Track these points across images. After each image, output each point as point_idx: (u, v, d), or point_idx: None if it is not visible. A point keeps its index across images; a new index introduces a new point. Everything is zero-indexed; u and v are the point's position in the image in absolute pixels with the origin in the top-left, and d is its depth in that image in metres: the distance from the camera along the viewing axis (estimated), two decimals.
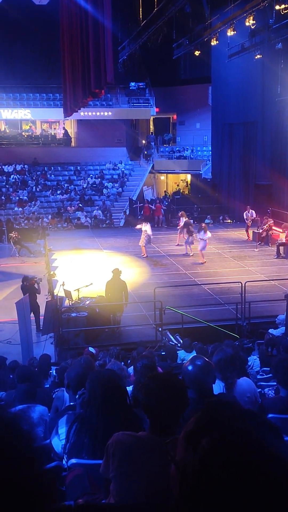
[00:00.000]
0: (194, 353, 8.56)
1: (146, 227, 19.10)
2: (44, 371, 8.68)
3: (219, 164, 29.83)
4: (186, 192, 39.53)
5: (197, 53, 23.00)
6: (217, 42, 21.23)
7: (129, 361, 8.76)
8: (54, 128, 39.05)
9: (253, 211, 23.38)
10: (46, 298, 13.99)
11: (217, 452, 0.87)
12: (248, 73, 25.41)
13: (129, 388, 4.49)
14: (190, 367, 3.14)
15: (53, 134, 38.28)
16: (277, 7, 16.47)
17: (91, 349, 8.45)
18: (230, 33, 19.43)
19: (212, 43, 21.46)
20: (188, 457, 0.89)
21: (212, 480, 0.85)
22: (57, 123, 38.92)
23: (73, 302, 12.86)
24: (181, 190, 39.65)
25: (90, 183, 34.33)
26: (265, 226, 21.23)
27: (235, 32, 19.35)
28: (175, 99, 39.26)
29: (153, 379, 2.54)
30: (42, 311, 13.30)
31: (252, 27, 19.08)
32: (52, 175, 34.78)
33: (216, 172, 30.62)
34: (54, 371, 8.22)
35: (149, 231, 19.15)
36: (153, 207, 28.14)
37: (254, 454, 0.86)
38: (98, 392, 2.85)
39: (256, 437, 0.89)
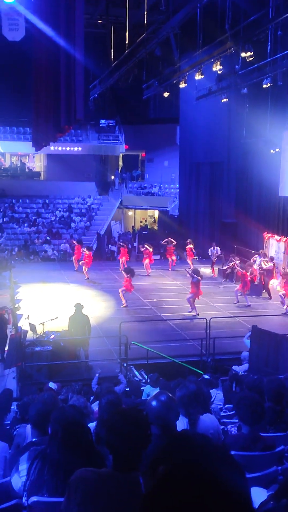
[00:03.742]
0: (158, 389, 8.53)
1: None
2: (4, 407, 8.46)
3: (186, 201, 30.34)
4: (154, 227, 39.90)
5: (166, 94, 23.66)
6: (186, 84, 21.92)
7: (92, 397, 8.65)
8: (24, 162, 39.16)
9: (218, 248, 23.77)
10: (10, 332, 13.76)
11: (169, 479, 0.89)
12: (215, 115, 26.22)
13: (92, 425, 4.45)
14: (154, 403, 3.16)
15: (21, 167, 38.33)
16: (243, 54, 17.18)
17: (51, 384, 8.33)
18: (198, 77, 20.12)
19: (181, 86, 22.13)
20: (148, 481, 0.92)
21: (162, 505, 0.87)
22: (27, 157, 39.10)
23: (37, 336, 12.67)
24: (148, 226, 40.01)
25: (58, 216, 34.35)
26: (230, 264, 21.59)
27: (202, 76, 20.04)
28: (144, 137, 40.04)
29: (116, 414, 2.55)
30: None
31: (219, 72, 19.80)
32: (20, 207, 34.70)
33: (183, 208, 31.10)
34: (16, 407, 8.03)
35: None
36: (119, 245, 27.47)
37: (205, 486, 0.87)
38: (60, 430, 2.84)
39: (211, 471, 0.90)
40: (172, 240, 24.54)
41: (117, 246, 25.79)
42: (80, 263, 22.72)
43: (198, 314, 15.95)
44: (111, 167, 42.15)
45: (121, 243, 25.24)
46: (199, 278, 16.48)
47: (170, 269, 24.00)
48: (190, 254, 24.02)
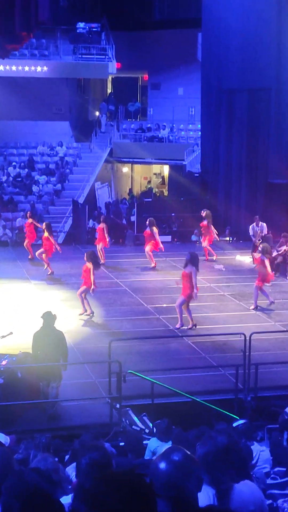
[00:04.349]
0: (170, 444, 8.57)
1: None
2: None
3: (212, 151, 30.22)
4: (162, 192, 39.86)
5: None
6: None
7: (67, 456, 8.70)
8: None
9: (264, 224, 23.72)
10: None
11: None
12: (257, 14, 26.01)
13: (67, 499, 4.46)
14: (162, 465, 3.15)
15: None
16: None
17: (1, 436, 8.34)
18: None
19: None
20: None
21: None
22: None
23: None
24: (154, 190, 39.94)
25: (12, 175, 34.29)
26: (282, 248, 21.52)
27: None
28: (146, 50, 39.75)
29: (103, 483, 2.55)
30: None
31: None
32: None
33: (208, 163, 30.98)
34: None
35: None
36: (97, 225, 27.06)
37: None
38: (16, 506, 2.84)
39: None
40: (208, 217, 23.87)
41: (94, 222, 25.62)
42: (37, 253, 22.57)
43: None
44: (94, 97, 41.95)
45: (103, 217, 25.05)
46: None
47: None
48: (209, 234, 23.93)
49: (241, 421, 9.60)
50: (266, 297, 18.02)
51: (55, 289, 20.20)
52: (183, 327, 16.36)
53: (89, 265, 17.32)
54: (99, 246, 23.22)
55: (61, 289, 20.12)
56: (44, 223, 22.84)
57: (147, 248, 22.50)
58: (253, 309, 18.05)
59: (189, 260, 16.64)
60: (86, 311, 17.43)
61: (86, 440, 8.53)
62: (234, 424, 9.43)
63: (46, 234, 21.76)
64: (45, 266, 21.83)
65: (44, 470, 4.97)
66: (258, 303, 18.06)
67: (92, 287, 17.31)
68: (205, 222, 23.53)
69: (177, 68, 39.23)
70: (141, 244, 24.03)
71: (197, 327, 16.32)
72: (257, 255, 18.69)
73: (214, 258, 23.56)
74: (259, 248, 18.41)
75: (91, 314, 17.39)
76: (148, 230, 22.50)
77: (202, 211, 23.90)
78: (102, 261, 22.23)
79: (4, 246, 27.78)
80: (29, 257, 23.46)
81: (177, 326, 16.46)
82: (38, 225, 23.57)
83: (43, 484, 3.04)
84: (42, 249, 21.77)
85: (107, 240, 23.29)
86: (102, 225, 23.76)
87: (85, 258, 17.65)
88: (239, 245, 26.09)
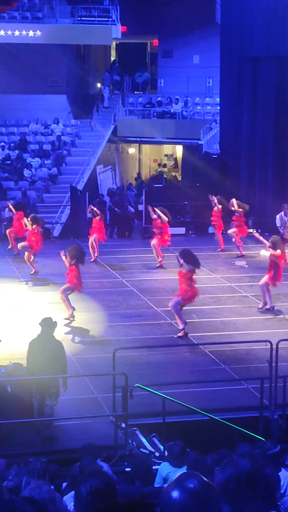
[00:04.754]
0: (184, 469, 8.57)
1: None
2: None
3: (233, 129, 30.20)
4: (174, 176, 39.81)
5: None
6: None
7: (64, 483, 8.72)
8: None
9: None
10: None
11: None
12: None
13: None
14: (176, 493, 3.16)
15: None
16: None
17: None
18: None
19: None
20: None
21: None
22: None
23: None
24: (165, 174, 39.91)
25: (0, 157, 34.30)
26: None
27: None
28: (156, 11, 39.71)
29: None
30: None
31: None
32: None
33: (228, 143, 30.97)
34: None
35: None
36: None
37: None
38: None
39: None
40: (236, 206, 24.23)
41: (89, 211, 25.48)
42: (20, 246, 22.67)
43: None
44: (95, 67, 41.89)
45: (94, 208, 25.03)
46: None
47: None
48: (220, 224, 24.53)
49: (270, 446, 9.57)
50: (269, 299, 18.03)
51: (50, 290, 20.18)
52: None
53: (73, 263, 17.39)
54: (92, 238, 23.30)
55: (56, 290, 20.09)
56: (30, 216, 22.78)
57: (154, 241, 22.51)
58: (269, 308, 18.06)
59: (184, 259, 16.62)
60: (73, 315, 17.49)
61: (86, 465, 8.55)
62: (259, 447, 9.41)
63: (29, 226, 21.81)
64: (31, 267, 21.85)
65: (39, 499, 4.98)
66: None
67: (79, 288, 17.49)
68: (236, 214, 23.97)
69: (192, 33, 39.04)
70: (150, 237, 23.99)
71: (188, 335, 16.30)
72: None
73: (238, 254, 23.73)
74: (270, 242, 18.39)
75: (72, 318, 17.41)
76: (157, 219, 22.53)
77: (212, 198, 24.34)
78: (93, 258, 22.45)
79: None
80: (14, 253, 23.57)
81: (180, 328, 16.41)
82: (28, 224, 22.72)
83: None
84: (26, 243, 21.88)
85: (104, 232, 23.49)
86: (98, 216, 23.79)
87: (67, 255, 17.77)
88: (264, 238, 26.00)
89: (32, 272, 21.69)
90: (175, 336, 16.34)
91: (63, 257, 17.97)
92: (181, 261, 16.57)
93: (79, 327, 17.10)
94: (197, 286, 20.23)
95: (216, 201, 24.27)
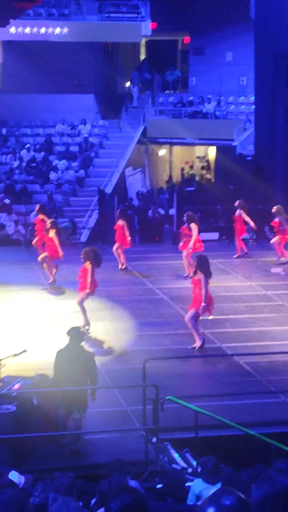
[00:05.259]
0: (218, 486, 8.53)
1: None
2: None
3: (268, 130, 30.13)
4: (207, 179, 39.77)
5: None
6: None
7: (93, 499, 8.71)
8: None
9: None
10: None
11: None
12: None
13: None
14: (211, 511, 3.14)
15: None
16: None
17: (13, 476, 8.37)
18: None
19: None
20: None
21: None
22: None
23: None
24: (196, 177, 39.88)
25: (25, 159, 34.49)
26: None
27: None
28: (187, 6, 39.73)
29: None
30: None
31: None
32: None
33: (263, 144, 30.90)
34: None
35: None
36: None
37: None
38: None
39: None
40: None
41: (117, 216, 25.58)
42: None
43: None
44: (124, 65, 41.96)
45: (122, 211, 25.01)
46: None
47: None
48: (242, 229, 24.49)
49: None
50: None
51: (74, 298, 20.18)
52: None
53: (88, 265, 17.34)
54: (115, 247, 23.31)
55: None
56: (49, 221, 22.64)
57: (184, 253, 22.29)
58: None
59: (197, 265, 16.58)
60: (87, 323, 17.40)
61: (115, 481, 8.53)
62: None
63: (51, 233, 21.78)
64: (49, 275, 21.82)
65: None
66: None
67: (87, 290, 17.35)
68: (276, 220, 23.89)
69: (224, 29, 39.11)
70: (178, 242, 23.90)
71: (221, 346, 16.30)
72: None
73: (281, 259, 23.70)
74: None
75: (87, 326, 17.27)
76: (185, 226, 22.43)
77: (237, 204, 24.48)
78: (121, 266, 22.51)
79: (17, 245, 27.94)
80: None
81: (195, 345, 16.22)
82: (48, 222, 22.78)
83: None
84: (45, 253, 21.90)
85: (128, 239, 23.36)
86: (121, 221, 23.74)
87: (82, 257, 17.70)
88: None
89: (50, 281, 21.66)
90: (189, 348, 16.25)
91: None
92: (196, 265, 16.58)
93: (107, 337, 17.11)
94: (231, 294, 20.39)
95: (275, 210, 24.23)
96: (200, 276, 16.21)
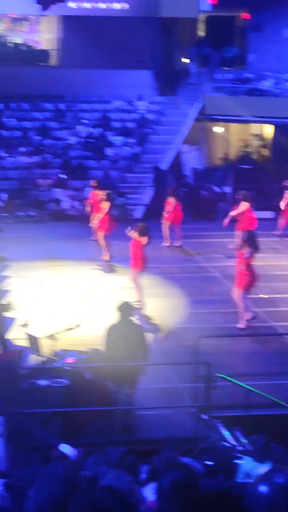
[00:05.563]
0: (268, 465, 8.53)
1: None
2: None
3: None
4: (264, 157, 39.45)
5: None
6: None
7: (144, 475, 8.75)
8: (21, 32, 39.40)
9: None
10: None
11: None
12: None
13: None
14: (263, 488, 3.15)
15: (17, 42, 38.55)
16: None
17: (65, 449, 8.44)
18: None
19: None
20: None
21: None
22: (23, 23, 39.30)
23: (42, 359, 12.89)
24: (252, 155, 39.58)
25: (82, 135, 34.54)
26: None
27: None
28: None
29: (193, 507, 2.57)
30: None
31: None
32: (11, 118, 35.20)
33: None
34: (3, 488, 8.24)
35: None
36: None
37: None
38: None
39: None
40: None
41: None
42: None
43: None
44: (182, 41, 41.75)
45: (172, 189, 25.02)
46: None
47: None
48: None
49: None
50: None
51: (126, 274, 20.25)
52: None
53: (142, 239, 17.43)
54: (167, 224, 23.40)
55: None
56: (104, 192, 22.80)
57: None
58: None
59: (245, 240, 16.46)
60: (141, 299, 17.47)
61: (167, 457, 8.57)
62: None
63: (104, 204, 21.81)
64: (104, 251, 21.96)
65: (118, 490, 5.01)
66: None
67: (139, 269, 17.48)
68: None
69: (284, 5, 38.64)
70: (235, 221, 23.83)
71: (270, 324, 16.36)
72: None
73: None
74: None
75: (140, 302, 17.31)
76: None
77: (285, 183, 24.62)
78: (176, 243, 22.54)
79: (72, 220, 28.06)
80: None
81: (239, 325, 16.26)
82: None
83: (117, 507, 3.02)
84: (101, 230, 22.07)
85: (171, 216, 23.55)
86: (172, 199, 23.76)
87: (133, 232, 17.84)
88: None
89: (106, 258, 21.77)
90: (235, 326, 16.22)
91: (131, 234, 17.90)
92: (243, 240, 16.46)
93: (160, 314, 17.16)
94: (284, 273, 20.31)
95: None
96: (245, 250, 16.19)
